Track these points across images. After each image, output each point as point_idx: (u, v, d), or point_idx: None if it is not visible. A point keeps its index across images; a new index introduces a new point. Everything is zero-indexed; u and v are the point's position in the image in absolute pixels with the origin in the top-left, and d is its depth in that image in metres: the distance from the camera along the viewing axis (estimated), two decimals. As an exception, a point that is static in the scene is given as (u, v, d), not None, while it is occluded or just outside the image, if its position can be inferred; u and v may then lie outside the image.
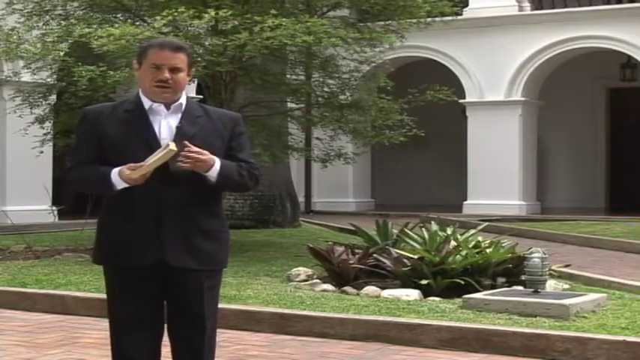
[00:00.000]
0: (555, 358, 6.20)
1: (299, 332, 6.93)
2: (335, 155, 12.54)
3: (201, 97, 15.26)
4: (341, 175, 20.02)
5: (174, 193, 3.89)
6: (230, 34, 10.28)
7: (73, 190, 4.11)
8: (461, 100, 18.85)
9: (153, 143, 3.88)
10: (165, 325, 4.07)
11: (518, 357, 6.26)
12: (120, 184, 3.86)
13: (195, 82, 14.95)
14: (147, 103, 3.96)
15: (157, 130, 3.93)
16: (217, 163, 3.88)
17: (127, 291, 3.96)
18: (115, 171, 3.86)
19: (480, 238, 9.03)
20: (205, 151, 3.85)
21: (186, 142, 3.82)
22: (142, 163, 3.81)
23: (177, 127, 3.92)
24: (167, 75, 3.90)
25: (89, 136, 3.98)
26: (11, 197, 15.82)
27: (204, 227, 3.96)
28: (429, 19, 12.65)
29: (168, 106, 3.96)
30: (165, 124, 3.94)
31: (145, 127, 3.92)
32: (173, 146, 3.78)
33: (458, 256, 8.27)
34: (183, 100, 4.00)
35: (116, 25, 10.47)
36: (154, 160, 3.79)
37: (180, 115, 3.96)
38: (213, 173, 3.88)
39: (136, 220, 3.90)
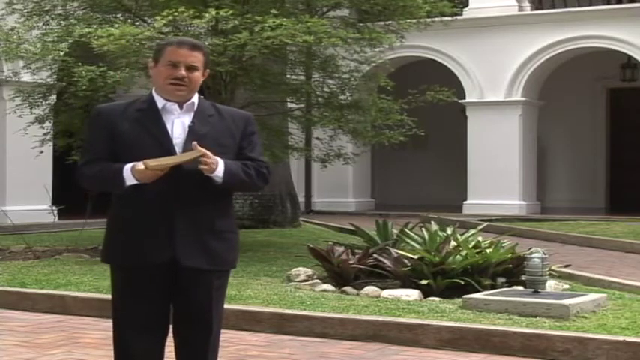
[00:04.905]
0: (555, 358, 6.20)
1: (299, 332, 6.93)
2: (335, 155, 12.53)
3: (201, 97, 15.22)
4: (341, 175, 20.00)
5: (186, 193, 3.88)
6: (230, 34, 10.28)
7: (84, 187, 4.06)
8: (461, 100, 18.84)
9: (165, 142, 3.88)
10: (170, 325, 4.05)
11: (518, 357, 6.26)
12: (130, 180, 3.83)
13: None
14: (160, 102, 3.96)
15: (169, 129, 3.93)
16: (221, 163, 3.87)
17: (136, 290, 3.94)
18: (127, 167, 3.83)
19: (479, 238, 9.02)
20: (210, 154, 3.83)
21: (195, 144, 3.81)
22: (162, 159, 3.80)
23: (190, 127, 3.92)
24: (183, 72, 3.91)
25: (101, 134, 3.96)
26: (11, 197, 15.83)
27: (216, 227, 3.96)
28: (428, 20, 12.67)
29: (181, 105, 3.96)
30: (179, 123, 3.93)
31: (158, 125, 3.91)
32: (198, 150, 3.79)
33: (458, 256, 8.27)
34: (195, 99, 4.00)
35: (116, 25, 10.47)
36: (175, 158, 3.79)
37: (192, 114, 3.96)
38: (218, 173, 3.86)
39: (149, 218, 3.88)
